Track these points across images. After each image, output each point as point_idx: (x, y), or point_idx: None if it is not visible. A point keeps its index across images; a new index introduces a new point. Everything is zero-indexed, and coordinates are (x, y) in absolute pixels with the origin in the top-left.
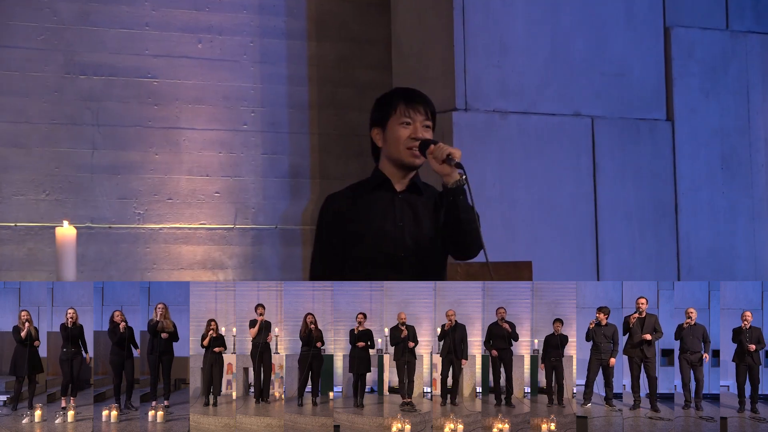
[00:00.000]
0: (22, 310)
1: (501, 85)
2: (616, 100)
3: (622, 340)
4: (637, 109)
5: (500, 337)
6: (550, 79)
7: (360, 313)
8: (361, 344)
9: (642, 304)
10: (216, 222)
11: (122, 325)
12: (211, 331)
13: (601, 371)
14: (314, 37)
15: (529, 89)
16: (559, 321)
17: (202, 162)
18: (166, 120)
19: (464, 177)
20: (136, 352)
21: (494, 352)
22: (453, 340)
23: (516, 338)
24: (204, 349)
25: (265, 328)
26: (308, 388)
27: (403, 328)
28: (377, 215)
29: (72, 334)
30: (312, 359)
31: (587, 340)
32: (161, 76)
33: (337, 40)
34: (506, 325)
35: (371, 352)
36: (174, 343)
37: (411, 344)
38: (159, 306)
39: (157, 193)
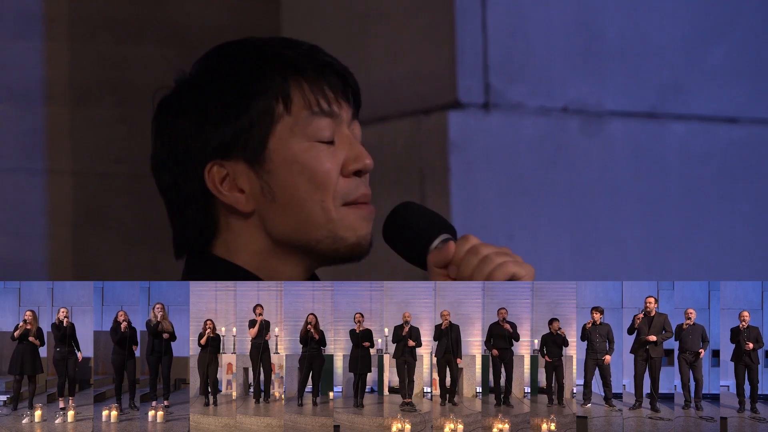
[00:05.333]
0: (28, 311)
1: (575, 53)
2: None
3: (626, 338)
4: None
5: (501, 337)
6: (710, 37)
7: (357, 313)
8: (366, 344)
9: (649, 303)
10: None
11: (123, 325)
12: (208, 330)
13: (598, 371)
14: None
15: (649, 70)
16: (556, 320)
17: None
18: None
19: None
20: (137, 352)
21: (495, 352)
22: (450, 341)
23: (517, 338)
24: (201, 348)
25: (265, 327)
26: (308, 388)
27: (406, 326)
28: None
29: (66, 333)
30: (312, 359)
31: (582, 339)
32: None
33: None
34: (507, 326)
35: (371, 351)
36: (172, 343)
37: (411, 343)
38: (157, 306)
39: None
